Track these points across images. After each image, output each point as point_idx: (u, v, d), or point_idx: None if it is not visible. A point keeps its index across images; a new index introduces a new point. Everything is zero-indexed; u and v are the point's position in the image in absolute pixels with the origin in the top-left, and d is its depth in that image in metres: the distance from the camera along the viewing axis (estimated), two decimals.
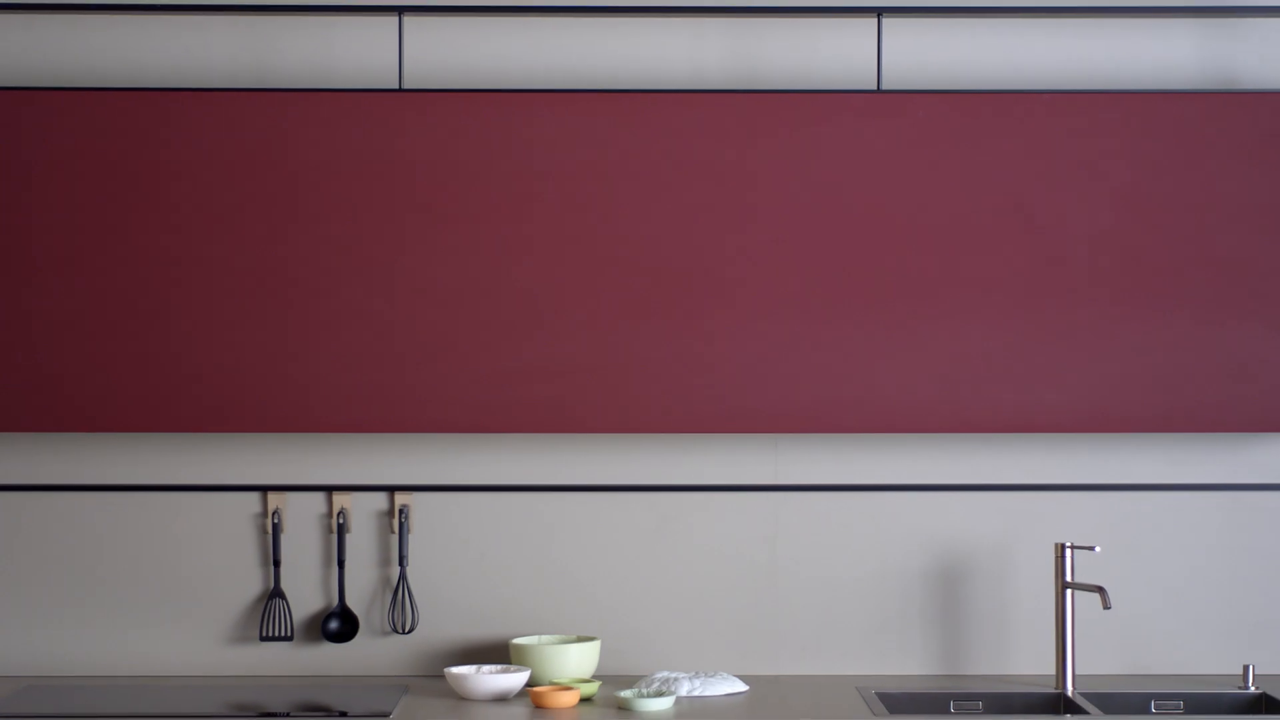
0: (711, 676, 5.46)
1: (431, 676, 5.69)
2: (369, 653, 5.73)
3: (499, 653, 5.72)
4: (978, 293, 5.47)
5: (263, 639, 5.68)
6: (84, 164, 5.46)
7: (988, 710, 5.37)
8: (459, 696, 5.33)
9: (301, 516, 5.75)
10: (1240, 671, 5.63)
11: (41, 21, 5.69)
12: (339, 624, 5.70)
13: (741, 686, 5.46)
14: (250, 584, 5.74)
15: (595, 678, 5.56)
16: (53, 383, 5.44)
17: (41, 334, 5.45)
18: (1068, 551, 5.45)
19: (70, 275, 5.46)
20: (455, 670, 5.33)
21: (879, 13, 5.55)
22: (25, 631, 5.72)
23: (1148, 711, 5.31)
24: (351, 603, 5.74)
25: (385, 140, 5.47)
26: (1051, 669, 5.65)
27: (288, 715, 5.13)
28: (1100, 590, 5.24)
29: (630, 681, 5.60)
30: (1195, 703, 5.38)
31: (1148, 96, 5.46)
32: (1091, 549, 5.44)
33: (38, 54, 5.72)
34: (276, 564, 5.69)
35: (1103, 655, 5.69)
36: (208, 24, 5.70)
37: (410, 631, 5.70)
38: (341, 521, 5.72)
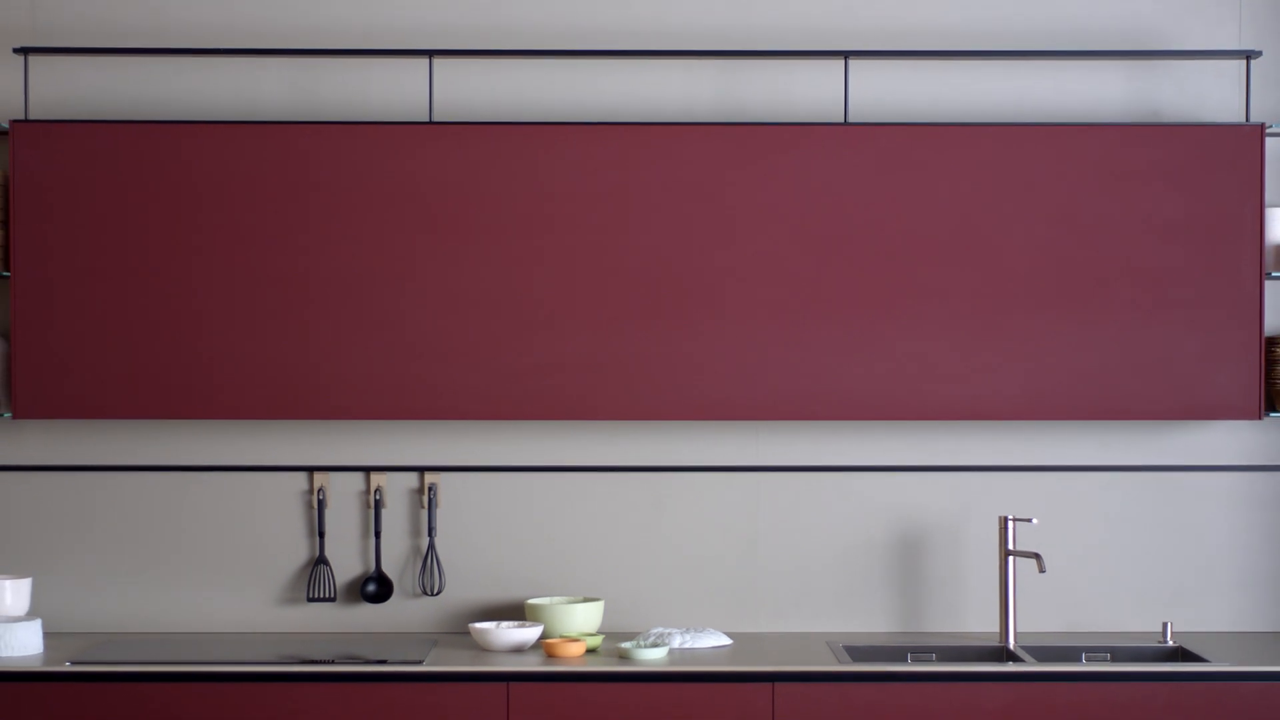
0: (700, 632, 5.72)
1: (457, 633, 5.92)
2: (402, 612, 5.96)
3: (516, 611, 5.96)
4: (933, 298, 5.69)
5: (309, 600, 5.93)
6: (158, 186, 5.68)
7: (940, 659, 5.65)
8: (481, 648, 5.60)
9: (343, 493, 5.98)
10: (1160, 629, 5.91)
11: (119, 63, 5.93)
12: (376, 587, 5.94)
13: (726, 640, 5.72)
14: (298, 552, 5.98)
15: (599, 632, 5.84)
16: (136, 378, 5.67)
17: (129, 339, 5.67)
18: (1009, 523, 5.74)
19: (152, 288, 5.67)
20: (478, 625, 5.62)
21: (846, 56, 5.75)
22: (104, 592, 5.96)
23: (1078, 661, 5.62)
24: (387, 569, 5.97)
25: (417, 166, 5.68)
26: (997, 626, 5.94)
27: (332, 662, 5.39)
28: (1036, 556, 5.58)
29: (630, 636, 5.85)
30: (1120, 654, 5.69)
31: (1081, 128, 5.68)
32: (1029, 521, 5.75)
33: (113, 91, 5.94)
34: (321, 535, 5.93)
35: (1041, 614, 5.95)
36: (261, 65, 5.93)
37: (438, 594, 5.94)
38: (378, 498, 5.94)
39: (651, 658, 5.48)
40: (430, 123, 5.70)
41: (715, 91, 5.96)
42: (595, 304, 5.71)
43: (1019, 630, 5.95)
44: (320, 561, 5.96)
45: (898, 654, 5.72)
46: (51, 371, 5.66)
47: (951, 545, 5.99)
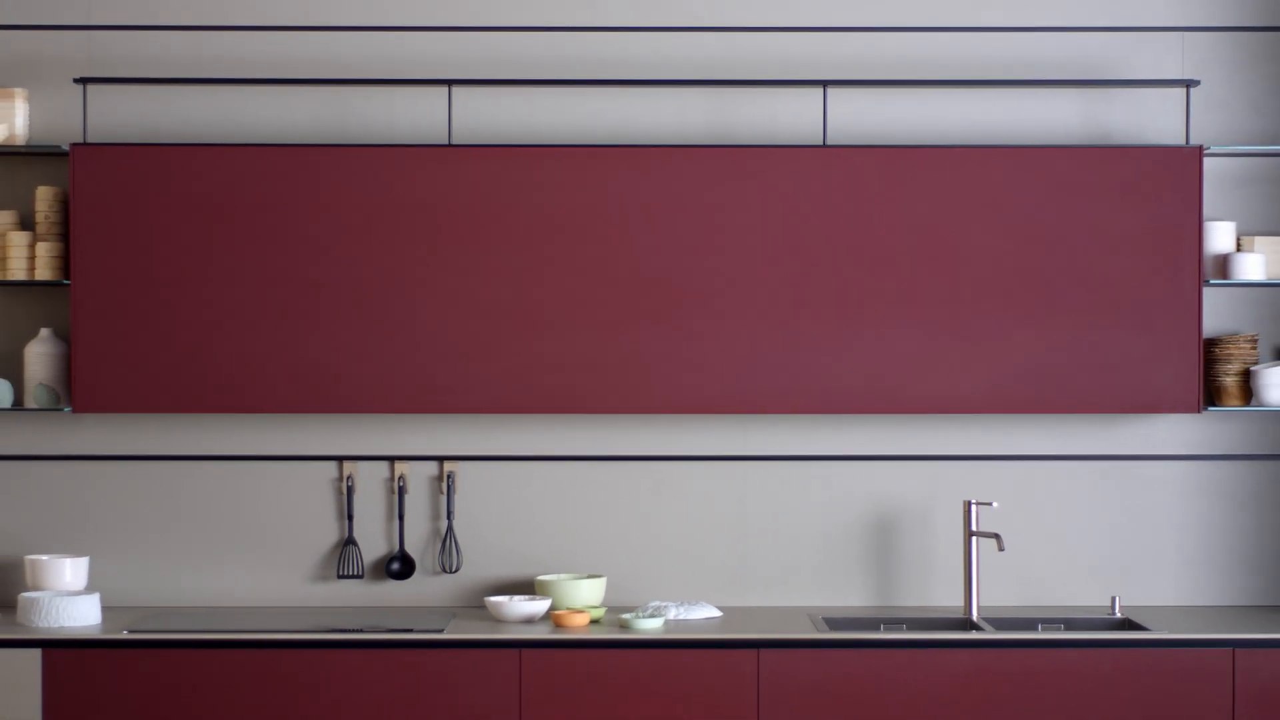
0: (694, 605, 5.95)
1: (474, 607, 6.14)
2: (424, 588, 6.17)
3: (526, 587, 6.17)
4: (904, 303, 5.89)
5: (339, 577, 6.15)
6: (203, 203, 5.87)
7: (910, 629, 5.88)
8: (496, 619, 5.85)
9: (370, 481, 6.18)
10: (1109, 602, 6.11)
11: (167, 91, 6.14)
12: (399, 565, 6.15)
13: (717, 613, 5.97)
14: (329, 534, 6.19)
15: (602, 605, 6.03)
16: (183, 376, 5.87)
17: (177, 341, 5.87)
18: (973, 507, 5.98)
19: (197, 294, 5.86)
20: (493, 599, 5.85)
21: (825, 85, 5.95)
22: (154, 570, 6.17)
23: (1035, 630, 5.81)
24: (409, 549, 6.18)
25: (437, 184, 5.87)
26: (962, 600, 6.15)
27: (360, 631, 5.62)
28: (996, 537, 5.83)
29: (630, 608, 6.11)
30: (1073, 625, 5.94)
31: (1039, 149, 5.88)
32: (990, 505, 5.96)
33: (162, 116, 6.15)
34: (350, 518, 6.14)
35: (1002, 589, 6.17)
36: (296, 93, 6.14)
37: (456, 571, 6.15)
38: (401, 485, 6.14)
39: (649, 627, 5.72)
40: (449, 145, 5.91)
41: (706, 117, 6.17)
42: (597, 308, 5.91)
43: (981, 603, 6.19)
44: (349, 542, 6.17)
45: (871, 624, 5.96)
46: (107, 370, 5.88)
47: (921, 527, 6.22)
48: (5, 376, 6.21)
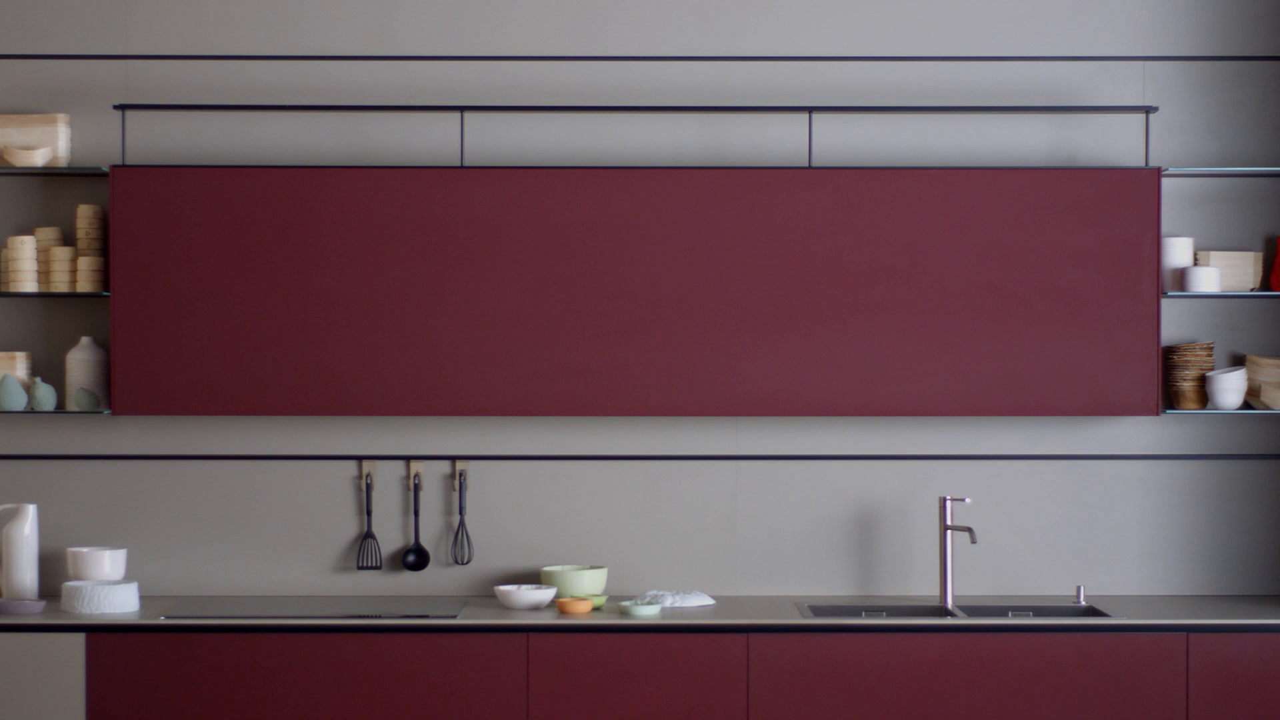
0: (688, 594, 6.12)
1: (484, 595, 6.29)
2: (437, 578, 6.32)
3: (533, 577, 6.33)
4: (884, 314, 6.02)
5: (359, 568, 6.30)
6: (232, 220, 6.02)
7: (889, 616, 6.04)
8: (504, 606, 6.00)
9: (387, 478, 6.31)
10: (1074, 591, 6.29)
11: (199, 117, 6.28)
12: (415, 557, 6.30)
13: (710, 601, 6.12)
14: (349, 528, 6.34)
15: (603, 594, 6.13)
16: (215, 381, 6.02)
17: (209, 348, 6.01)
18: (948, 503, 6.15)
19: (228, 305, 5.99)
20: (502, 588, 6.00)
21: (810, 111, 6.11)
22: (188, 561, 6.31)
23: (1005, 617, 5.95)
24: (424, 542, 6.33)
25: (450, 203, 6.00)
26: (937, 589, 6.32)
27: (379, 617, 5.76)
28: (969, 530, 6.00)
29: (629, 596, 6.27)
30: (1040, 612, 6.12)
31: (1009, 170, 6.03)
32: (964, 500, 6.09)
33: (195, 139, 6.27)
34: (369, 513, 6.28)
35: (975, 580, 6.33)
36: (319, 118, 6.27)
37: (468, 563, 6.31)
38: (416, 482, 6.29)
39: (647, 614, 5.89)
40: (461, 167, 6.07)
41: (700, 140, 6.32)
42: (599, 318, 6.05)
43: (955, 593, 6.36)
44: (368, 536, 6.33)
45: (853, 611, 6.13)
46: (144, 376, 6.05)
47: (899, 522, 6.39)
48: (49, 382, 6.37)
